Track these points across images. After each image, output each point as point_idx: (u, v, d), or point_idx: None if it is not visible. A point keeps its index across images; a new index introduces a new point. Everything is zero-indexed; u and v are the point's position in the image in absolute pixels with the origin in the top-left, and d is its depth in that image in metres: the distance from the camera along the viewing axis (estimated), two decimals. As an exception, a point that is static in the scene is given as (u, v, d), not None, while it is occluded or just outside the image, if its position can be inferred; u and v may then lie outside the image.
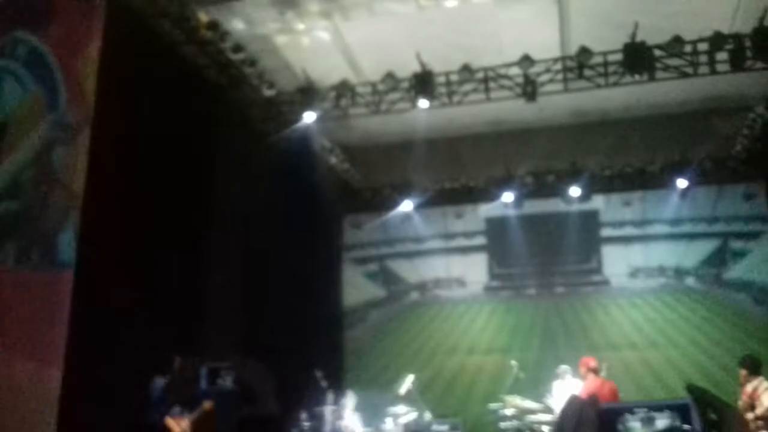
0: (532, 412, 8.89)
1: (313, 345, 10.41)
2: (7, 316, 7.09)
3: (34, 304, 6.97)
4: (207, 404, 7.32)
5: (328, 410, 8.57)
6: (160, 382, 7.39)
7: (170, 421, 7.12)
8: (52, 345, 6.70)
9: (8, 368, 6.89)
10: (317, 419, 8.54)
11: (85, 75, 7.42)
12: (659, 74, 9.00)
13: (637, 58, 8.80)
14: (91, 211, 7.05)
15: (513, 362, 9.63)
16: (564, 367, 9.01)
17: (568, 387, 8.60)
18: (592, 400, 1.63)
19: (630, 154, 11.82)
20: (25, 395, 6.70)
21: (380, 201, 12.72)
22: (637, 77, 8.99)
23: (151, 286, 7.62)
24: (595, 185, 11.95)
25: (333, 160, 12.16)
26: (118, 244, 7.26)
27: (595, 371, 8.44)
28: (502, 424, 9.05)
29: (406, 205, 12.52)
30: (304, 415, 8.50)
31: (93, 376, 6.77)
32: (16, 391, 6.76)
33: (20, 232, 7.33)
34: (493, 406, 9.32)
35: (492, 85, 9.53)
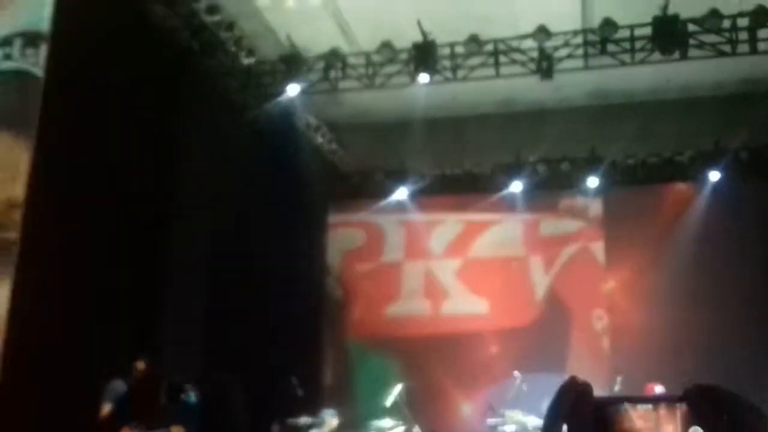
0: (537, 429, 8.79)
1: (290, 348, 10.24)
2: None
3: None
4: (176, 429, 7.14)
5: (303, 422, 8.48)
6: (119, 385, 7.24)
7: (127, 435, 6.95)
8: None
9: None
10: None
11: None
12: (692, 52, 8.90)
13: (668, 33, 8.70)
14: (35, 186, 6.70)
15: (516, 372, 9.62)
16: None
17: None
18: (586, 388, 1.67)
19: (656, 142, 11.68)
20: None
21: (371, 187, 12.54)
22: (667, 55, 8.87)
23: (102, 277, 7.36)
24: (615, 176, 11.78)
25: (319, 139, 11.97)
26: (66, 225, 6.99)
27: None
28: (502, 441, 9.10)
29: (401, 193, 12.33)
30: (276, 428, 8.48)
31: (33, 370, 6.53)
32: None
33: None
34: (491, 421, 9.29)
35: (503, 59, 9.45)
